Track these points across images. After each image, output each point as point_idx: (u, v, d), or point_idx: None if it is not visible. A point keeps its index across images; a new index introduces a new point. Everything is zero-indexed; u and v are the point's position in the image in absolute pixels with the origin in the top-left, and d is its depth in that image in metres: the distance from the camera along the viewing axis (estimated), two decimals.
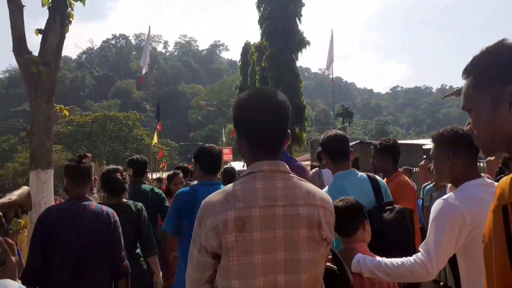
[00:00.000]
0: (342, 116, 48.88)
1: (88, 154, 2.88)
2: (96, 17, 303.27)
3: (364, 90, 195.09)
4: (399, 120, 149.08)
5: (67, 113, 6.64)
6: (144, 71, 13.07)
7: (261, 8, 21.11)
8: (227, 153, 19.42)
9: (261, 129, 1.46)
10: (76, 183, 2.77)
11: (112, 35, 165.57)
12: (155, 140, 31.49)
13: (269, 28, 20.58)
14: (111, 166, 3.61)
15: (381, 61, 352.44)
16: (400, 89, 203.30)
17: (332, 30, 17.85)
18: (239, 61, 34.75)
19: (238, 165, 32.38)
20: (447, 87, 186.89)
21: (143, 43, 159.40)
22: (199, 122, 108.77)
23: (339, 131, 2.77)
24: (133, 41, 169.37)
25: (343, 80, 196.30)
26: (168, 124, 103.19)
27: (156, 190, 4.68)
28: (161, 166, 52.88)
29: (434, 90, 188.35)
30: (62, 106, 6.44)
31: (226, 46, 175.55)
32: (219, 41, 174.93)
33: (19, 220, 7.36)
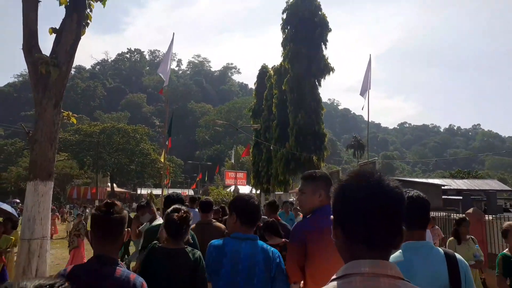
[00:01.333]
0: (354, 148, 48.52)
1: (118, 203, 2.25)
2: (113, 30, 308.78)
3: (371, 123, 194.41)
4: (405, 156, 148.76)
5: (75, 121, 5.99)
6: (165, 82, 12.60)
7: (286, 30, 20.81)
8: (241, 178, 18.56)
9: (371, 221, 1.13)
10: (102, 239, 2.15)
11: (128, 49, 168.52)
12: (163, 157, 31.04)
13: (293, 51, 20.13)
14: (175, 206, 3.12)
15: (389, 96, 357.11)
16: (407, 125, 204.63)
17: (370, 55, 14.24)
18: (255, 83, 34.58)
19: (246, 189, 31.90)
20: (455, 128, 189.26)
21: (157, 59, 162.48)
22: (206, 141, 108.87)
23: (417, 193, 2.23)
24: (147, 57, 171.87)
25: (351, 112, 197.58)
26: (175, 141, 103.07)
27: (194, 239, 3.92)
28: (165, 182, 52.48)
29: (442, 130, 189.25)
30: (70, 113, 5.81)
31: (238, 69, 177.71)
32: (231, 63, 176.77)
33: (9, 236, 6.91)
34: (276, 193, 29.91)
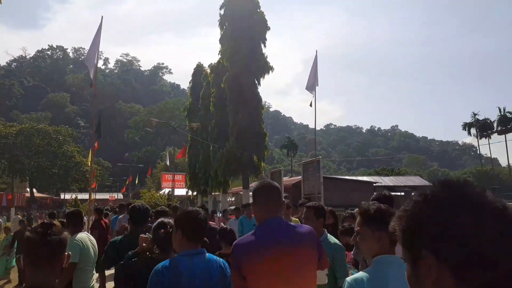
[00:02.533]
0: (287, 148, 49.38)
1: (56, 223, 1.94)
2: (32, 25, 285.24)
3: (300, 125, 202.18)
4: (331, 155, 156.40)
5: None
6: (92, 73, 11.40)
7: (224, 27, 20.19)
8: (179, 180, 17.48)
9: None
10: (39, 267, 1.81)
11: (49, 45, 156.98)
12: (89, 160, 29.11)
13: (231, 48, 19.49)
14: (161, 219, 3.20)
15: (316, 99, 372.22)
16: (333, 127, 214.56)
17: (316, 51, 13.65)
18: (190, 82, 33.64)
19: (182, 192, 30.74)
20: (376, 129, 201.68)
21: (82, 57, 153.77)
22: (136, 142, 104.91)
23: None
24: (71, 54, 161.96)
25: (282, 114, 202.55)
26: (102, 143, 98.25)
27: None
28: (91, 186, 49.38)
29: (364, 130, 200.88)
30: None
31: (170, 69, 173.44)
32: (162, 63, 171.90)
33: None
34: (213, 193, 29.26)
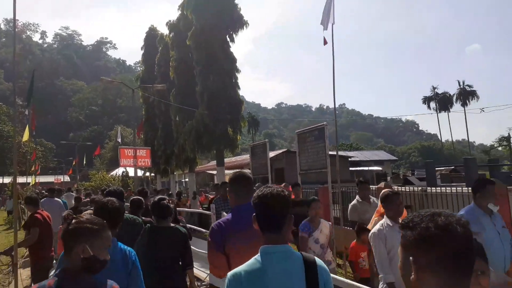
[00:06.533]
0: (249, 125, 47.71)
1: None
2: None
3: (252, 103, 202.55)
4: (283, 133, 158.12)
5: None
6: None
7: None
8: (143, 156, 14.12)
9: None
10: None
11: None
12: (26, 136, 25.12)
13: None
14: (159, 196, 4.57)
15: (266, 78, 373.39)
16: (284, 105, 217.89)
17: None
18: (142, 48, 29.83)
19: (138, 172, 27.42)
20: (325, 107, 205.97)
21: (17, 29, 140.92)
22: (80, 122, 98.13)
23: (270, 190, 2.00)
24: (2, 26, 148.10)
25: None
26: (44, 122, 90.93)
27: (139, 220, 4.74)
28: (33, 169, 44.63)
29: (313, 109, 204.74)
30: None
31: (114, 44, 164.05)
32: (106, 38, 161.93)
33: None
34: (175, 173, 26.29)
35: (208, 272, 2.75)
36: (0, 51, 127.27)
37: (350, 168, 24.74)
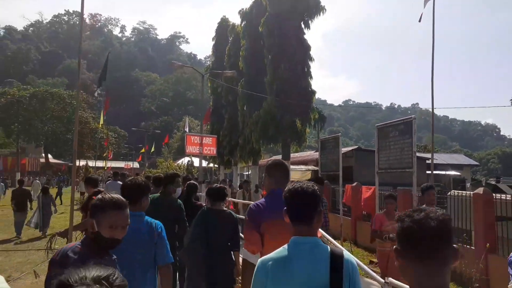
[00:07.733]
0: (315, 120, 46.57)
1: None
2: None
3: (318, 100, 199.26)
4: (349, 132, 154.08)
5: None
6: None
7: None
8: (209, 144, 13.71)
9: None
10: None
11: (65, 10, 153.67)
12: (101, 120, 26.25)
13: None
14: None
15: (334, 74, 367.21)
16: (352, 103, 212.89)
17: None
18: (213, 39, 29.93)
19: (202, 163, 27.36)
20: (396, 106, 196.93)
21: (99, 24, 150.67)
22: (152, 112, 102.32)
23: (300, 185, 2.09)
24: (87, 21, 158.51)
25: None
26: (118, 111, 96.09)
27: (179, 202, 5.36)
28: (104, 154, 46.84)
29: (383, 108, 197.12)
30: None
31: (187, 38, 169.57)
32: (179, 32, 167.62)
33: None
34: (238, 165, 25.89)
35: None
36: (84, 43, 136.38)
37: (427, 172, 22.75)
